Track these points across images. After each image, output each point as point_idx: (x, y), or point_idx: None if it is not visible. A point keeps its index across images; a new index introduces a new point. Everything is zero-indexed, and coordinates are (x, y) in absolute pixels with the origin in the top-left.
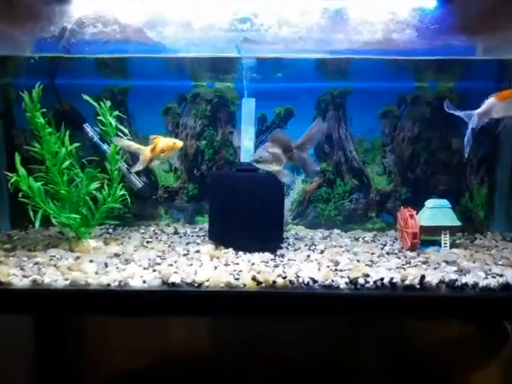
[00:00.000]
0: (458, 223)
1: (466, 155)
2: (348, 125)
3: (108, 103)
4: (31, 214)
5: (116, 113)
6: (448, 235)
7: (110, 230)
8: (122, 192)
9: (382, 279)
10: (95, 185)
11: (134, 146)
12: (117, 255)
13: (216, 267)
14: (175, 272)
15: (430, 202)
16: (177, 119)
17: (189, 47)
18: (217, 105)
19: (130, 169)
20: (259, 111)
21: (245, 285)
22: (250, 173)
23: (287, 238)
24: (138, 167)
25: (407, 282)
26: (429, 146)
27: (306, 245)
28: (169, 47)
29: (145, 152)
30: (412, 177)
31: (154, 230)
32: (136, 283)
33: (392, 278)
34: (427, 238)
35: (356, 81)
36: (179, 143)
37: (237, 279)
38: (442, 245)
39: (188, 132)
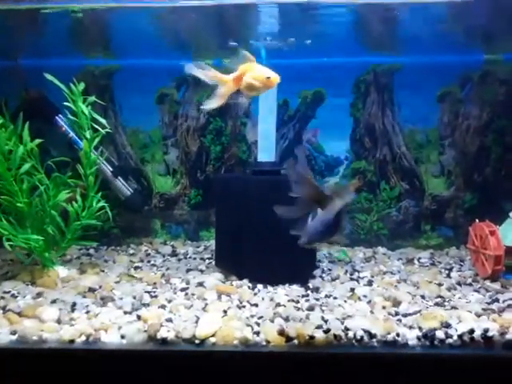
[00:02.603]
0: None
1: None
2: (395, 112)
3: (81, 86)
4: None
5: (92, 98)
6: None
7: (92, 251)
8: (101, 204)
9: (472, 332)
10: (65, 195)
11: (210, 73)
12: (92, 290)
13: (226, 311)
14: (168, 320)
15: None
16: (175, 108)
17: None
18: None
19: (116, 172)
20: (281, 96)
21: (268, 342)
22: (270, 175)
23: (319, 261)
24: (213, 104)
25: (509, 337)
26: (502, 139)
27: (346, 271)
28: None
29: (225, 82)
30: (479, 179)
31: (146, 251)
32: (111, 338)
33: (486, 330)
34: None
35: (406, 53)
36: (275, 77)
37: (256, 333)
38: None
39: (189, 125)
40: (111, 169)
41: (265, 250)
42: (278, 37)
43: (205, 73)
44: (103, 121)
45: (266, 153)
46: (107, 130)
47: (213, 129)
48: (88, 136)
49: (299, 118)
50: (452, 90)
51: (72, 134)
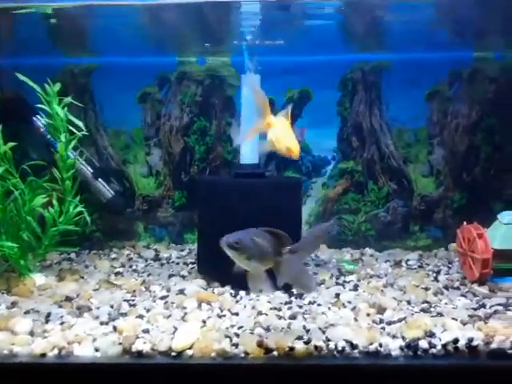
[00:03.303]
0: None
1: None
2: (383, 111)
3: (56, 86)
4: None
5: (68, 99)
6: None
7: (73, 255)
8: (79, 208)
9: (456, 341)
10: (41, 199)
11: (261, 99)
12: (69, 299)
13: (205, 322)
14: (144, 331)
15: (505, 216)
16: (157, 107)
17: None
18: (210, 87)
19: (96, 174)
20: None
21: (247, 353)
22: (254, 179)
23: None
24: (242, 139)
25: (494, 346)
26: (492, 137)
27: (332, 275)
28: None
29: (265, 115)
30: (469, 178)
31: (128, 255)
32: (84, 351)
33: (471, 340)
34: (502, 265)
35: (394, 51)
36: (295, 150)
37: (235, 345)
38: None
39: (173, 124)
40: (91, 170)
41: None
42: (261, 35)
43: (258, 94)
44: (79, 123)
45: (248, 155)
46: (84, 132)
47: (197, 129)
48: (63, 139)
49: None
50: (441, 88)
51: (50, 135)
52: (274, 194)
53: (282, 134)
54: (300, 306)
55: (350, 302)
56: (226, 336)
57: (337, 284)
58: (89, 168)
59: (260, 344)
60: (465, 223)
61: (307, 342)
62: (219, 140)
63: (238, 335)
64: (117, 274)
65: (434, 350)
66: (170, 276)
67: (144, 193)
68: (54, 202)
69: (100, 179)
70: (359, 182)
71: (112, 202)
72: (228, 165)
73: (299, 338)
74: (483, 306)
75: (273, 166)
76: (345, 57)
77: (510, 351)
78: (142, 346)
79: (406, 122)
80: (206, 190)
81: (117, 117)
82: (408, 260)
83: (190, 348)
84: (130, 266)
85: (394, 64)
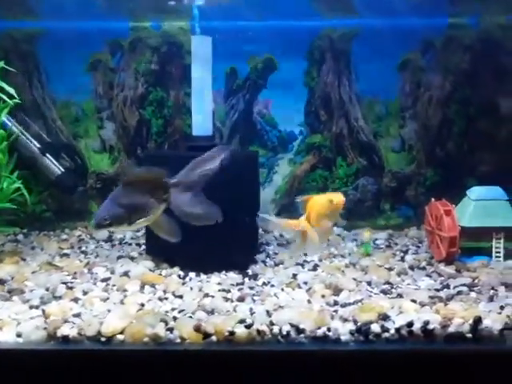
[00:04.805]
0: None
1: None
2: (353, 81)
3: None
4: None
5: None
6: (502, 240)
7: (20, 237)
8: (16, 185)
9: (411, 325)
10: None
11: (282, 222)
12: (2, 282)
13: (143, 305)
14: (75, 316)
15: (474, 192)
16: (109, 77)
17: None
18: (166, 55)
19: (43, 149)
20: (228, 64)
21: (184, 339)
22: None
23: (266, 245)
24: (313, 251)
25: (452, 329)
26: (466, 110)
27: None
28: None
29: (299, 223)
30: (442, 154)
31: (79, 236)
32: (6, 337)
33: (426, 323)
34: (471, 244)
35: (364, 16)
36: (338, 198)
37: (170, 329)
38: (494, 255)
39: (126, 95)
40: (38, 145)
41: (198, 234)
42: None
43: (278, 222)
44: (11, 89)
45: (201, 126)
46: (16, 100)
47: (153, 100)
48: None
49: (249, 88)
50: (413, 57)
51: None
52: (228, 168)
53: (318, 201)
54: (251, 288)
55: (305, 283)
56: (162, 320)
57: (296, 264)
58: (35, 142)
59: (197, 328)
60: (433, 200)
61: (249, 326)
62: (178, 112)
63: (175, 319)
64: (63, 255)
65: (386, 334)
66: (119, 257)
67: (97, 170)
68: None
69: (48, 154)
70: (327, 157)
71: (61, 180)
72: (187, 139)
73: (241, 321)
74: (447, 286)
75: (237, 141)
76: (312, 23)
77: (468, 335)
78: (68, 330)
79: (377, 93)
80: (154, 165)
81: (66, 87)
82: (376, 239)
83: (120, 333)
84: (79, 248)
85: (364, 31)
